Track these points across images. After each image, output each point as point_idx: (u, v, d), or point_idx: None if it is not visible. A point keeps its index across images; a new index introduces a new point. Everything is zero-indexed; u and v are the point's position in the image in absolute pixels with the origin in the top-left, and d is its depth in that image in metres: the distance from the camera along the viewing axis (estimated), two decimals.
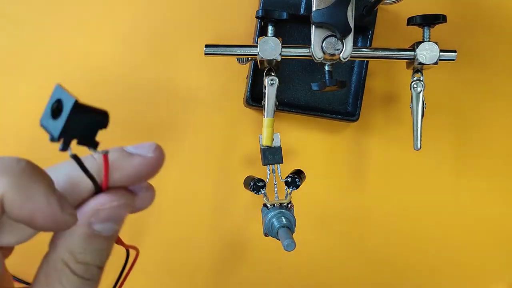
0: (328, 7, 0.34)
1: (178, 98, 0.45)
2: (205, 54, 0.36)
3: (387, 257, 0.49)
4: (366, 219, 0.49)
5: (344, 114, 0.44)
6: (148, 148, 0.23)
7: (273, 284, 0.49)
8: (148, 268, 0.48)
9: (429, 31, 0.37)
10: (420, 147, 0.37)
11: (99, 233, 0.21)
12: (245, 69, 0.44)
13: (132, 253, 0.28)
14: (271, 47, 0.35)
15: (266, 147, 0.37)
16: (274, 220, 0.36)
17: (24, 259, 0.27)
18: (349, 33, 0.34)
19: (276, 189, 0.38)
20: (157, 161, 0.23)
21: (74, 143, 0.19)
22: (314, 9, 0.34)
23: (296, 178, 0.37)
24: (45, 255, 0.21)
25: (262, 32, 0.41)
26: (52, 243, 0.21)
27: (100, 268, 0.22)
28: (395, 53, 0.37)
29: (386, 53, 0.37)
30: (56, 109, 0.19)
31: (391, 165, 0.48)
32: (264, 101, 0.36)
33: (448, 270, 0.50)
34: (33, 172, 0.19)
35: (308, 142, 0.47)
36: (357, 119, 0.43)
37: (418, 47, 0.36)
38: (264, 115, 0.36)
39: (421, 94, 0.37)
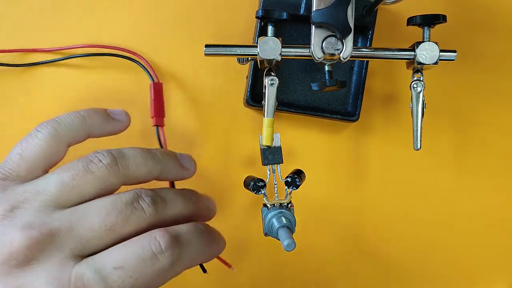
0: (328, 7, 0.34)
1: (178, 98, 0.45)
2: (205, 54, 0.36)
3: (387, 257, 0.49)
4: (366, 219, 0.49)
5: (344, 114, 0.44)
6: (122, 114, 0.38)
7: (273, 284, 0.49)
8: None
9: (429, 31, 0.37)
10: (420, 147, 0.37)
11: None
12: (245, 69, 0.44)
13: None
14: (271, 47, 0.35)
15: (266, 147, 0.37)
16: (274, 220, 0.36)
17: None
18: (349, 33, 0.34)
19: (276, 189, 0.38)
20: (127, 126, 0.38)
21: None
22: (314, 9, 0.34)
23: (296, 178, 0.37)
24: None
25: (262, 32, 0.40)
26: None
27: None
28: (395, 53, 0.37)
29: (386, 53, 0.37)
30: None
31: (391, 165, 0.48)
32: (264, 101, 0.36)
33: (447, 269, 0.50)
34: None
35: (308, 142, 0.47)
36: (357, 119, 0.43)
37: (418, 47, 0.36)
38: (264, 115, 0.36)
39: (421, 94, 0.37)
